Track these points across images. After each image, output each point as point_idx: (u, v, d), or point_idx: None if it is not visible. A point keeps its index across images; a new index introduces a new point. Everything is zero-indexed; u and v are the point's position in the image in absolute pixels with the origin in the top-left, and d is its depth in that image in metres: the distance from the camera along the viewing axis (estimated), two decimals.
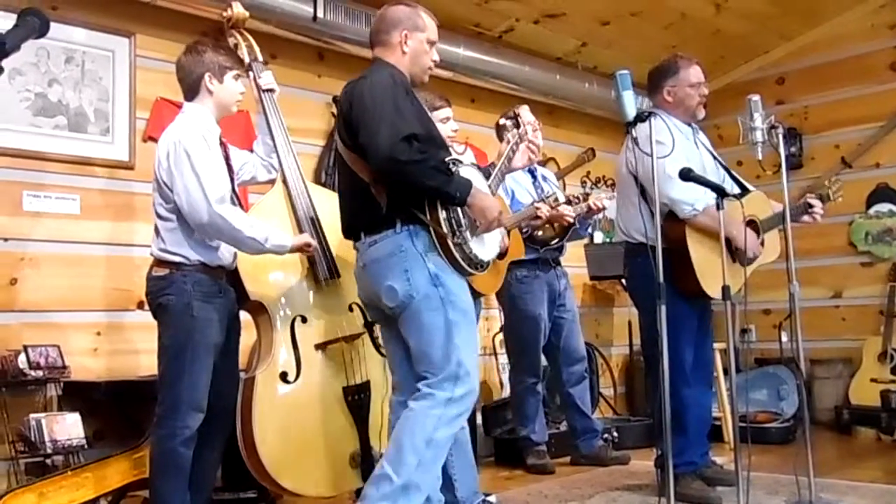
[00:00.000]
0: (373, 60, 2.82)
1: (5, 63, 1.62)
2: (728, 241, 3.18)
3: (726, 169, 3.67)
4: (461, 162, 2.72)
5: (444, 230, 2.57)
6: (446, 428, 2.55)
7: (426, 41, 2.80)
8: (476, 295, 3.38)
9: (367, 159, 2.54)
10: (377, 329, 3.15)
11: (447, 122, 3.46)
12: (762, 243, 3.53)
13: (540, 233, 4.19)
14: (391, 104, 2.54)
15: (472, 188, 2.59)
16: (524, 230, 4.09)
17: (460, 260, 2.61)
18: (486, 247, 2.75)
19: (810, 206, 3.63)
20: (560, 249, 4.40)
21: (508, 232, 3.59)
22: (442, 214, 2.58)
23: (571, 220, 4.16)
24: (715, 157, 3.65)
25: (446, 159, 2.64)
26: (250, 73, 3.31)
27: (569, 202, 4.18)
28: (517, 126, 3.50)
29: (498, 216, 2.65)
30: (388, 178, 2.55)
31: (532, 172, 4.44)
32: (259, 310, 3.14)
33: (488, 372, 5.32)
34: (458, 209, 2.62)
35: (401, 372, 2.80)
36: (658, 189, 2.93)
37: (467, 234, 2.64)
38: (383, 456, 2.60)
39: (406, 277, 2.57)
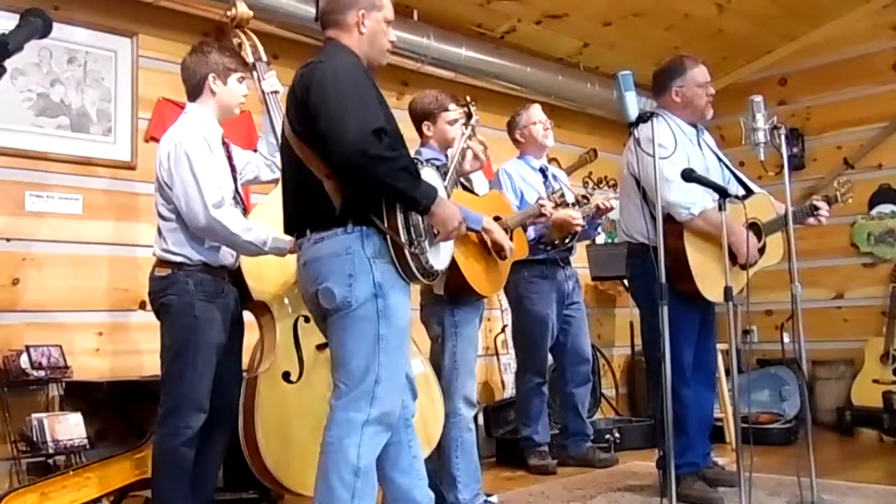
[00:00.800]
0: (325, 41, 2.62)
1: (8, 63, 1.62)
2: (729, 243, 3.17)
3: (731, 170, 3.66)
4: (422, 162, 2.64)
5: (403, 239, 2.38)
6: (370, 452, 2.39)
7: (383, 20, 2.60)
8: (478, 297, 3.37)
9: (329, 151, 2.32)
10: None
11: (455, 123, 3.43)
12: (764, 246, 3.51)
13: (553, 241, 4.17)
14: (357, 93, 2.36)
15: (437, 196, 2.44)
16: (532, 237, 4.07)
17: (414, 269, 2.43)
18: (440, 256, 2.60)
19: (816, 208, 3.60)
20: (569, 250, 4.39)
21: (511, 231, 3.57)
22: (399, 219, 2.39)
23: (581, 227, 4.13)
24: (720, 159, 3.63)
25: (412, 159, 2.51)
26: (254, 73, 3.31)
27: (577, 202, 4.17)
28: (469, 117, 3.37)
29: (458, 226, 2.49)
30: (352, 173, 2.32)
31: (543, 171, 4.44)
32: (262, 309, 3.15)
33: (490, 372, 5.32)
34: (418, 215, 2.44)
35: None
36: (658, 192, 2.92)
37: (426, 243, 2.45)
38: (314, 495, 2.42)
39: (348, 283, 2.37)
